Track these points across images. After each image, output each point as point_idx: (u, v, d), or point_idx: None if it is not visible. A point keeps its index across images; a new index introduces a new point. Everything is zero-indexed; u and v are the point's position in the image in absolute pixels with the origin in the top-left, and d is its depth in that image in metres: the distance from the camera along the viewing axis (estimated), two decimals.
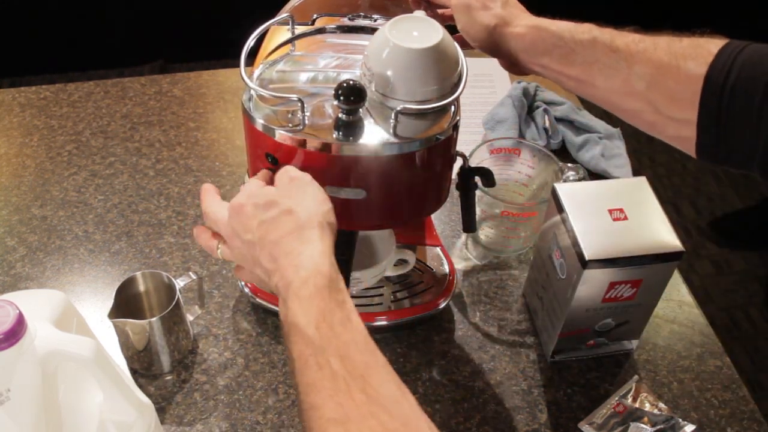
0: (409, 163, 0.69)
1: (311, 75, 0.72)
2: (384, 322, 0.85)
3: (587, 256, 0.72)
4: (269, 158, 0.69)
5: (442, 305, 0.86)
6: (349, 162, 0.67)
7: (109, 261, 0.93)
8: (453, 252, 0.97)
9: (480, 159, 0.94)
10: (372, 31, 0.73)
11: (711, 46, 0.63)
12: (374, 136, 0.67)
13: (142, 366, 0.81)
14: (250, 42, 0.73)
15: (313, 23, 0.78)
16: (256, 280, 0.63)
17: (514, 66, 0.76)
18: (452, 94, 0.69)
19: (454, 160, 0.75)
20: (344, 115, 0.67)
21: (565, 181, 0.98)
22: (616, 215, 0.75)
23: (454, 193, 0.93)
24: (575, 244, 0.74)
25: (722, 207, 2.18)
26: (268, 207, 0.59)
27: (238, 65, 0.71)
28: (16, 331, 0.53)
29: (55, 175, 1.03)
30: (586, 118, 1.12)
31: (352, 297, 0.84)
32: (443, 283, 0.87)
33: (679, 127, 0.66)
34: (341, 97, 0.65)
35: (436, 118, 0.69)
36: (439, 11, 0.80)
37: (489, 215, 0.93)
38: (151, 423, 0.66)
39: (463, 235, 0.99)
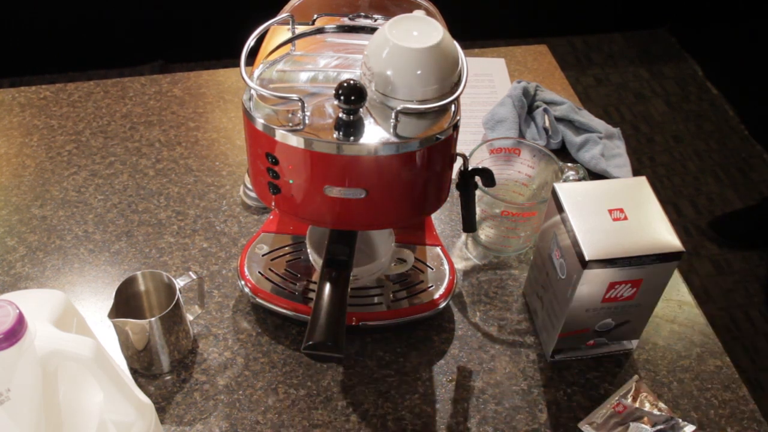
0: (409, 163, 0.69)
1: (311, 75, 0.72)
2: (384, 322, 0.85)
3: (587, 256, 0.72)
4: (269, 158, 0.70)
5: (442, 305, 0.86)
6: (349, 162, 0.67)
7: (109, 261, 0.93)
8: (453, 252, 0.97)
9: (480, 159, 0.94)
10: (372, 31, 0.73)
11: None
12: (374, 135, 0.67)
13: (142, 366, 0.81)
14: (250, 42, 0.73)
15: (313, 23, 0.78)
16: None
17: None
18: (452, 94, 0.69)
19: (454, 160, 0.75)
20: (344, 115, 0.67)
21: (565, 181, 0.98)
22: (616, 215, 0.75)
23: (454, 193, 0.93)
24: (575, 244, 0.74)
25: (722, 207, 2.18)
26: None
27: (238, 65, 0.71)
28: (16, 331, 0.53)
29: (55, 175, 1.03)
30: (586, 118, 1.12)
31: (351, 296, 0.84)
32: (443, 283, 0.87)
33: None
34: (341, 97, 0.65)
35: (436, 118, 0.69)
36: None
37: (489, 215, 0.93)
38: (151, 423, 0.66)
39: (463, 235, 0.99)
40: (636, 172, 1.03)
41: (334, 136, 0.66)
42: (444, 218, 1.01)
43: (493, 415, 0.80)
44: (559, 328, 0.80)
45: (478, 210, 0.91)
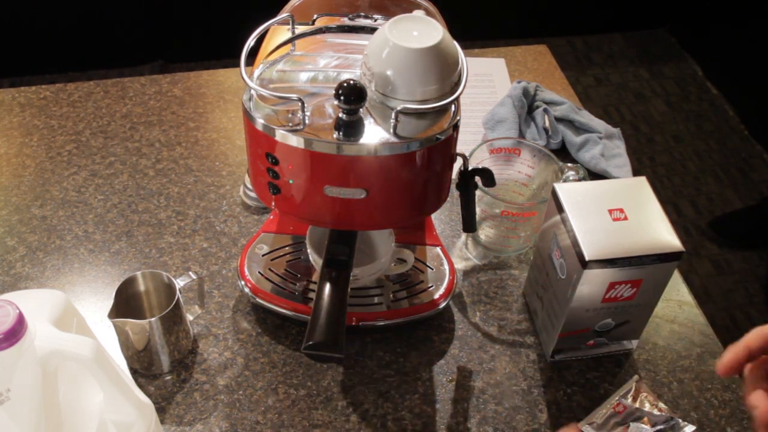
0: (409, 163, 0.69)
1: (311, 75, 0.72)
2: (384, 322, 0.85)
3: (587, 256, 0.72)
4: (269, 158, 0.70)
5: (442, 305, 0.86)
6: (349, 162, 0.67)
7: (109, 261, 0.93)
8: (453, 252, 0.97)
9: (480, 159, 0.94)
10: (372, 31, 0.73)
11: None
12: (374, 135, 0.67)
13: (142, 366, 0.81)
14: (250, 42, 0.73)
15: (313, 23, 0.78)
16: None
17: None
18: (452, 94, 0.69)
19: (454, 160, 0.75)
20: (344, 115, 0.67)
21: (565, 181, 0.98)
22: (616, 215, 0.75)
23: (454, 193, 0.93)
24: (575, 244, 0.74)
25: (722, 207, 2.18)
26: None
27: (238, 65, 0.71)
28: (16, 331, 0.53)
29: (55, 175, 1.03)
30: (586, 118, 1.12)
31: (351, 296, 0.84)
32: (443, 283, 0.87)
33: None
34: (341, 97, 0.65)
35: (436, 118, 0.69)
36: None
37: (489, 215, 0.93)
38: (151, 423, 0.66)
39: (463, 235, 0.99)
40: (636, 172, 1.03)
41: (334, 136, 0.66)
42: (444, 218, 1.01)
43: (493, 415, 0.80)
44: (559, 328, 0.80)
45: (478, 210, 0.91)
